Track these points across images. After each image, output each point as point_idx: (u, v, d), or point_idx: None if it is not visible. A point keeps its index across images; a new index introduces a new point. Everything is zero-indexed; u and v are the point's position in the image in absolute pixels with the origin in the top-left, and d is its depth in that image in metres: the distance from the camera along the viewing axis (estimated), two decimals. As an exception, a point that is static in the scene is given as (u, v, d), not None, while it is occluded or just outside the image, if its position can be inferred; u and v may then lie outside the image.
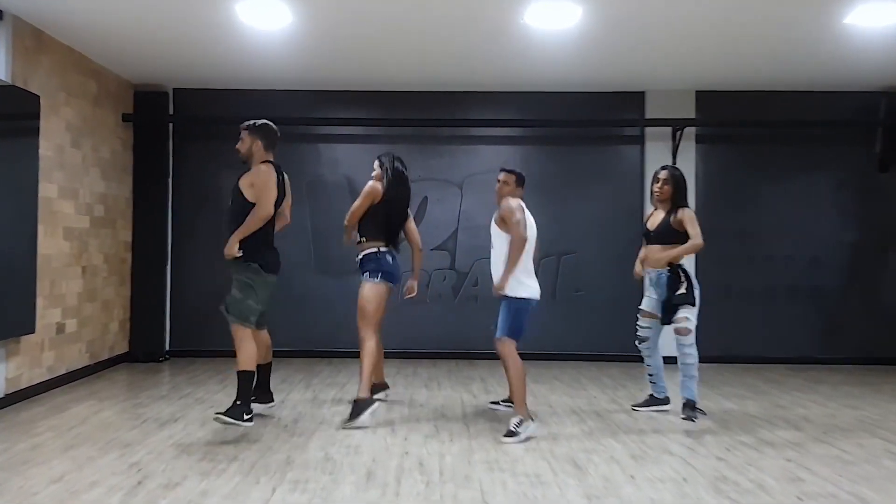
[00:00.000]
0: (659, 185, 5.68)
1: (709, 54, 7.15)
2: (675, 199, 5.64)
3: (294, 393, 6.37)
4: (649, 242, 5.76)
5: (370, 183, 5.66)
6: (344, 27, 6.28)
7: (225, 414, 4.76)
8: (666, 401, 5.87)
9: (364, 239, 5.64)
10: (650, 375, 5.91)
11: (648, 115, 8.39)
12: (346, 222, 5.69)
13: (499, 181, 5.41)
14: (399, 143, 8.35)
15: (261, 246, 5.04)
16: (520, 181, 5.40)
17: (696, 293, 5.52)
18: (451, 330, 8.37)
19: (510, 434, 4.89)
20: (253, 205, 4.97)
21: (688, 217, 5.53)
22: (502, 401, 5.87)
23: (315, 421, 5.40)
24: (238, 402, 4.84)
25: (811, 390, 6.82)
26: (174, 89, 8.37)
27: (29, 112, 5.95)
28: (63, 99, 6.60)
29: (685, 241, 5.49)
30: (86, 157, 7.04)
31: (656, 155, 8.31)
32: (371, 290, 5.55)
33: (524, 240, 5.00)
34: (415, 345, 8.18)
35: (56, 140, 6.48)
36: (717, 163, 8.49)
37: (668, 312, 5.58)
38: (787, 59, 7.27)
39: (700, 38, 6.65)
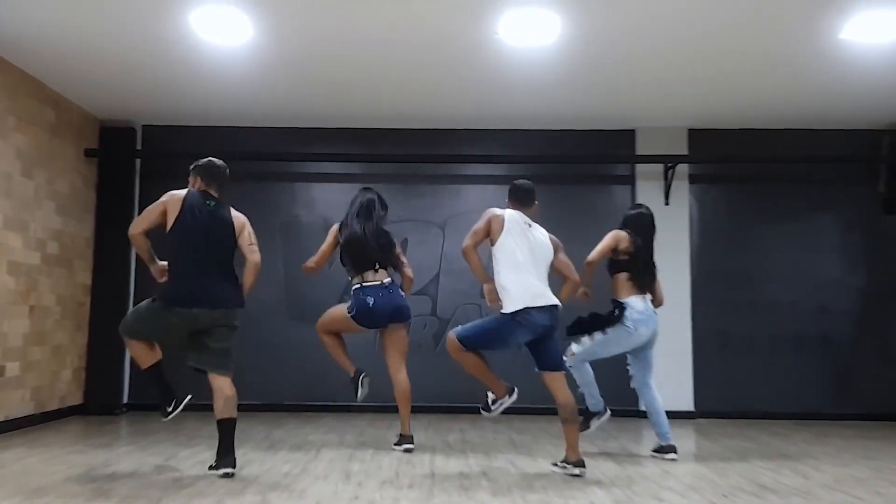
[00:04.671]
0: None
1: (701, 91, 6.89)
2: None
3: (248, 445, 5.78)
4: None
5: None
6: (308, 48, 5.94)
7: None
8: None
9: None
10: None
11: (639, 153, 7.97)
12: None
13: None
14: (378, 182, 7.89)
15: (170, 272, 4.66)
16: (511, 196, 5.27)
17: (611, 331, 5.48)
18: (430, 382, 7.72)
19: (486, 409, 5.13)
20: (169, 234, 4.60)
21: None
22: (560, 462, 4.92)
23: (263, 469, 4.80)
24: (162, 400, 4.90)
25: (821, 442, 6.19)
26: (143, 126, 8.00)
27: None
28: (13, 124, 6.21)
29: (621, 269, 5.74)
30: (39, 189, 6.62)
31: (648, 195, 7.87)
32: (339, 309, 5.67)
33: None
34: (390, 398, 7.50)
35: (3, 166, 6.07)
36: (714, 203, 8.02)
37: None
38: (784, 96, 6.97)
39: (691, 72, 6.40)
